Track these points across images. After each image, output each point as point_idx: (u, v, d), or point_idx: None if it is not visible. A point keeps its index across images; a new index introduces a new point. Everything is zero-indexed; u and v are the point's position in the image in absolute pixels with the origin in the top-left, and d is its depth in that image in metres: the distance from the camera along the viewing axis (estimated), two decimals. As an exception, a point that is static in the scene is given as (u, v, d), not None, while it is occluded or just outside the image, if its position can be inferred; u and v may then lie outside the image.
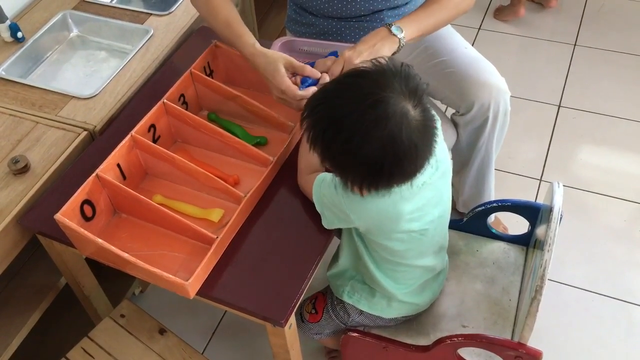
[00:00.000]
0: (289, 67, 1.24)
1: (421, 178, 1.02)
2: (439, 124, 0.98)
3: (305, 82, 1.24)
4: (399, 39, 1.26)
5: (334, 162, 0.96)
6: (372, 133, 0.89)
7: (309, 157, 1.16)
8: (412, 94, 0.91)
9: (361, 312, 1.27)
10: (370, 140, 0.90)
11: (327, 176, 1.09)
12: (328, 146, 0.94)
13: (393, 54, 1.27)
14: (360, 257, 1.18)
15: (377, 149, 0.90)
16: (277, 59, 1.25)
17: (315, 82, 1.23)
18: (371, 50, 1.24)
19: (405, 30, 1.27)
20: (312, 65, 1.41)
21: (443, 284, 1.34)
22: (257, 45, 1.29)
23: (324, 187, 1.09)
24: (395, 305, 1.24)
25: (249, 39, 1.30)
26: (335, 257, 1.28)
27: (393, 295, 1.21)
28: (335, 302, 1.30)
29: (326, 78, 1.22)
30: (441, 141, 1.06)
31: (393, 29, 1.26)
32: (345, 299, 1.26)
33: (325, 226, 1.14)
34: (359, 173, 0.94)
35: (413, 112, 0.91)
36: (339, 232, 1.41)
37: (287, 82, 1.23)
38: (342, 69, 1.23)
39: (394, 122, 0.89)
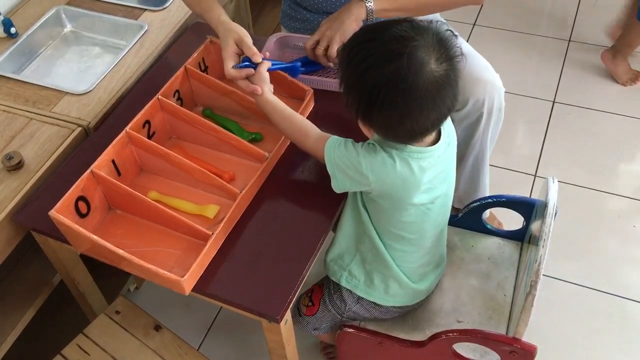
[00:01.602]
0: (239, 44, 1.23)
1: (439, 150, 1.06)
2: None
3: (244, 62, 1.23)
4: (366, 5, 1.30)
5: (345, 80, 1.01)
6: (382, 62, 0.94)
7: (296, 124, 1.19)
8: (442, 51, 0.94)
9: (358, 300, 1.27)
10: (378, 67, 0.94)
11: (341, 139, 1.12)
12: (348, 64, 0.99)
13: (364, 20, 1.31)
14: (365, 229, 1.17)
15: (381, 78, 0.94)
16: (231, 32, 1.24)
17: (254, 66, 1.22)
18: (335, 16, 1.31)
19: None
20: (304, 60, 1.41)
21: (440, 277, 1.35)
22: (222, 17, 1.28)
23: (339, 149, 1.10)
24: (393, 292, 1.24)
25: (216, 12, 1.30)
26: (334, 238, 1.28)
27: (392, 273, 1.21)
28: (332, 291, 1.30)
29: (265, 64, 1.22)
30: (448, 119, 1.08)
31: None
32: (344, 283, 1.26)
33: (335, 189, 1.13)
34: (358, 95, 0.99)
35: (434, 65, 0.94)
36: (335, 225, 1.42)
37: (226, 55, 1.23)
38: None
39: (406, 62, 0.92)
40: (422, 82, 0.93)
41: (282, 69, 1.30)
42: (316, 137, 1.16)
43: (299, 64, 1.32)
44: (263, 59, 1.22)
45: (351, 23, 1.30)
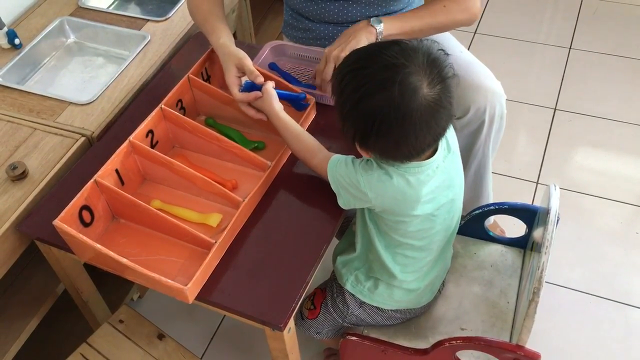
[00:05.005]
0: (240, 68, 1.25)
1: (436, 161, 1.06)
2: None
3: (246, 84, 1.25)
4: (376, 30, 1.30)
5: (340, 108, 1.01)
6: (375, 91, 0.95)
7: (304, 143, 1.20)
8: (434, 73, 0.95)
9: (361, 305, 1.27)
10: (371, 97, 0.95)
11: (342, 157, 1.13)
12: (342, 91, 1.00)
13: None
14: (372, 242, 1.18)
15: (374, 107, 0.95)
16: (230, 57, 1.26)
17: (259, 88, 1.23)
18: (348, 40, 1.29)
19: (385, 23, 1.31)
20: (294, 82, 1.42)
21: (444, 278, 1.35)
22: (221, 39, 1.31)
23: (340, 167, 1.12)
24: (397, 296, 1.24)
25: (216, 35, 1.32)
26: (350, 243, 1.29)
27: (398, 283, 1.21)
28: (335, 294, 1.31)
29: (269, 86, 1.23)
30: (450, 127, 1.09)
31: (372, 20, 1.31)
32: (348, 287, 1.26)
33: (342, 205, 1.15)
34: (354, 123, 1.00)
35: (426, 89, 0.94)
36: (340, 233, 1.42)
37: (230, 82, 1.25)
38: (330, 65, 1.29)
39: (399, 90, 0.93)
40: (415, 108, 0.94)
41: (286, 98, 1.31)
42: (322, 157, 1.18)
43: (303, 95, 1.33)
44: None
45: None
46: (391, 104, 0.93)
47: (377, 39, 1.30)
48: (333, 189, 1.15)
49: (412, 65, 0.94)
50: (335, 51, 1.28)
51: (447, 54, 0.99)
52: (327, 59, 1.30)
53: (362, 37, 1.29)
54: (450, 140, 1.13)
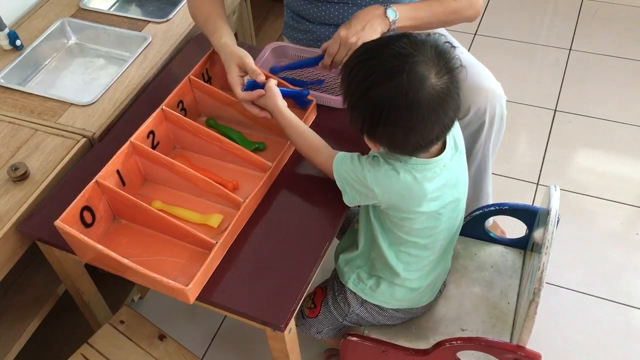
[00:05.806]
0: (242, 67, 1.26)
1: (444, 159, 1.07)
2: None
3: (249, 83, 1.25)
4: (390, 22, 1.30)
5: (349, 99, 1.02)
6: (384, 80, 0.95)
7: (309, 140, 1.20)
8: (442, 64, 0.96)
9: (362, 303, 1.27)
10: (379, 86, 0.96)
11: (348, 154, 1.13)
12: (349, 82, 1.00)
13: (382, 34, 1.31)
14: (375, 240, 1.19)
15: (382, 96, 0.96)
16: (232, 56, 1.27)
17: (262, 86, 1.24)
18: (364, 27, 1.27)
19: (399, 14, 1.31)
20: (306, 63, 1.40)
21: (445, 279, 1.35)
22: (223, 39, 1.31)
23: (346, 164, 1.12)
24: (398, 295, 1.24)
25: (218, 34, 1.33)
26: (352, 242, 1.29)
27: (400, 281, 1.21)
28: (336, 292, 1.31)
29: (272, 83, 1.23)
30: (456, 124, 1.10)
31: (389, 11, 1.30)
32: (350, 286, 1.27)
33: (347, 203, 1.16)
34: (362, 112, 1.00)
35: (434, 79, 0.95)
36: (340, 232, 1.42)
37: (232, 81, 1.26)
38: (339, 47, 1.28)
39: (407, 79, 0.94)
40: (423, 97, 0.94)
41: (289, 95, 1.31)
42: (326, 154, 1.18)
43: (307, 91, 1.33)
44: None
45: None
46: (400, 92, 0.94)
47: (389, 30, 1.30)
48: (338, 185, 1.15)
49: (420, 55, 0.95)
50: (352, 38, 1.26)
51: (454, 46, 1.00)
52: (340, 42, 1.28)
53: (377, 26, 1.28)
54: (457, 139, 1.13)
